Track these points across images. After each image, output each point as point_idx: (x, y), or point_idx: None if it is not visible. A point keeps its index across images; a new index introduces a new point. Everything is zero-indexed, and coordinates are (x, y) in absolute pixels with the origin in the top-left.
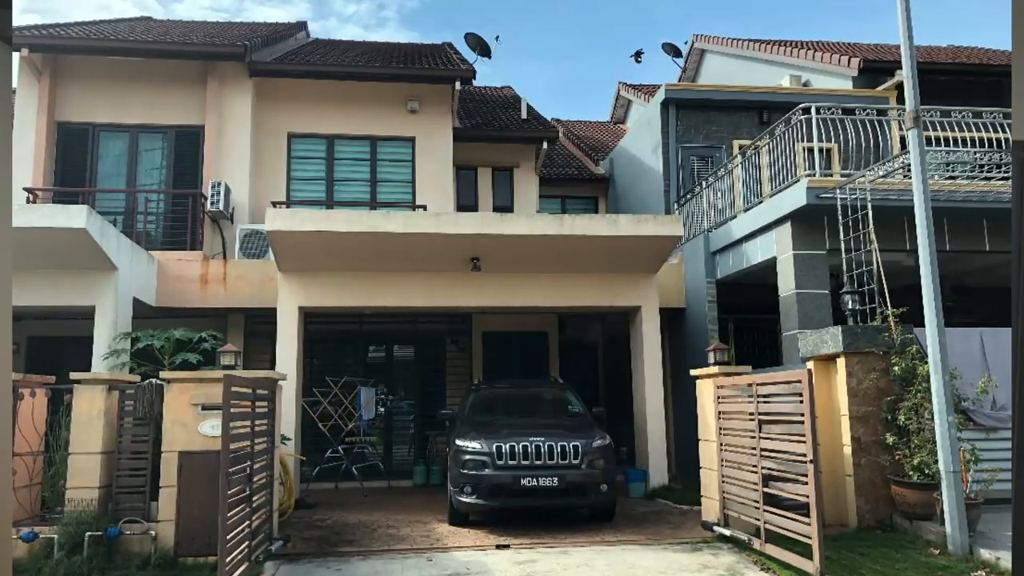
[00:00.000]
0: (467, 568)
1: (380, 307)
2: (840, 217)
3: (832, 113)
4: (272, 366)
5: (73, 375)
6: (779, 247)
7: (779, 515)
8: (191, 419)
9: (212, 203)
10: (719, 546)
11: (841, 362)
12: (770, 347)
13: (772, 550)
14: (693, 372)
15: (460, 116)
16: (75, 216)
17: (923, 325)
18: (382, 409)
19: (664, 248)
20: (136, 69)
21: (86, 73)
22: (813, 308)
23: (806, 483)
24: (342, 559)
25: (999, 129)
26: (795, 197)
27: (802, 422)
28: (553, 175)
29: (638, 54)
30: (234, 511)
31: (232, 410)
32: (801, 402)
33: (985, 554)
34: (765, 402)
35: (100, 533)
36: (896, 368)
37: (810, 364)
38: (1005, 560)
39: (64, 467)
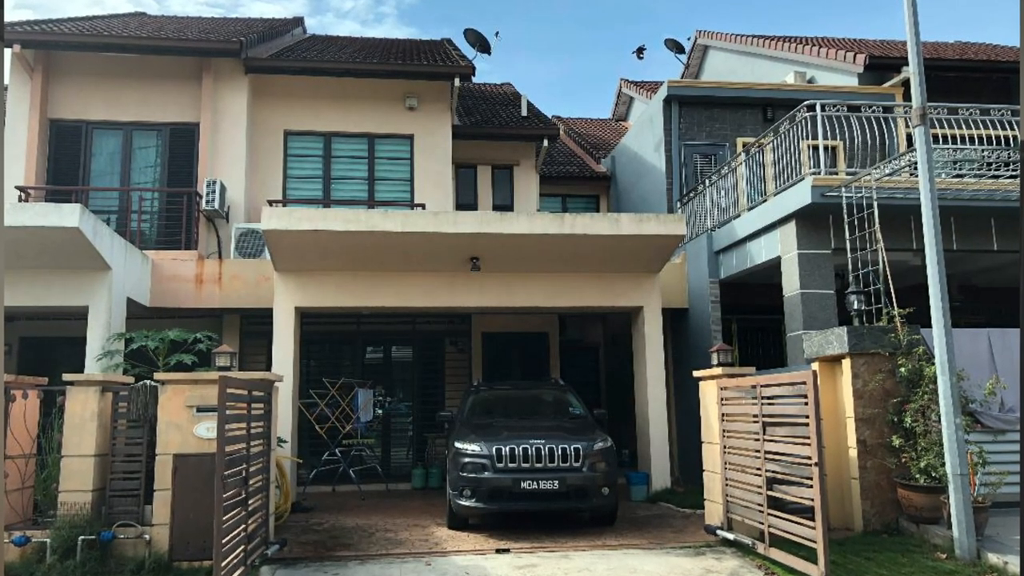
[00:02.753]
0: (467, 573)
1: (378, 307)
2: (845, 216)
3: (837, 110)
4: (268, 367)
5: (66, 376)
6: (783, 246)
7: (783, 519)
8: (186, 421)
9: (207, 202)
10: (722, 550)
11: (846, 363)
12: (774, 348)
13: (776, 554)
14: (696, 373)
15: (459, 113)
16: (68, 215)
17: (930, 326)
18: (380, 411)
19: (667, 247)
20: (130, 65)
21: (79, 70)
22: (818, 308)
23: (811, 486)
24: (339, 563)
25: (1007, 126)
26: (800, 195)
27: (807, 424)
28: (554, 173)
29: (640, 50)
30: (230, 515)
31: (228, 412)
32: (806, 404)
33: (993, 558)
34: (769, 404)
35: (93, 537)
36: (902, 369)
37: (815, 365)
38: (1013, 564)
39: (57, 470)
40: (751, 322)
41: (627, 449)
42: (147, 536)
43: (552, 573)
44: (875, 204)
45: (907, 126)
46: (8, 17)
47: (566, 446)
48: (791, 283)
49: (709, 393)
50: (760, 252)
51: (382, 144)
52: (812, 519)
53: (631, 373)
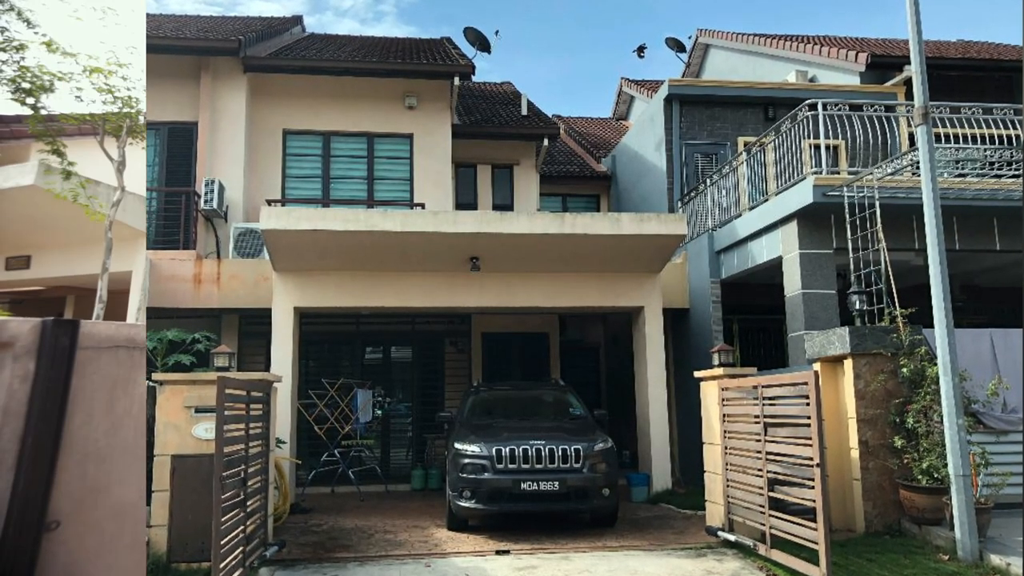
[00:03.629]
0: (466, 574)
1: (377, 307)
2: (847, 216)
3: (839, 109)
4: (267, 368)
5: None
6: (785, 246)
7: (785, 520)
8: (184, 422)
9: (205, 201)
10: (724, 552)
11: (848, 364)
12: (776, 348)
13: (778, 556)
14: (697, 374)
15: (459, 112)
16: None
17: (932, 326)
18: (379, 412)
19: (667, 247)
20: None
21: None
22: (820, 308)
23: (812, 487)
24: (338, 565)
25: (1009, 126)
26: (801, 195)
27: (808, 425)
28: (554, 173)
29: (641, 49)
30: (228, 516)
31: (226, 413)
32: (807, 404)
33: (995, 559)
34: (771, 404)
35: None
36: (904, 370)
37: (816, 366)
38: (1016, 566)
39: None
40: (752, 322)
41: (628, 450)
42: (145, 537)
43: (552, 575)
44: (877, 204)
45: (909, 125)
46: None
47: (566, 447)
48: (793, 283)
49: (710, 394)
50: (761, 252)
51: (381, 143)
52: (814, 520)
53: (631, 373)
